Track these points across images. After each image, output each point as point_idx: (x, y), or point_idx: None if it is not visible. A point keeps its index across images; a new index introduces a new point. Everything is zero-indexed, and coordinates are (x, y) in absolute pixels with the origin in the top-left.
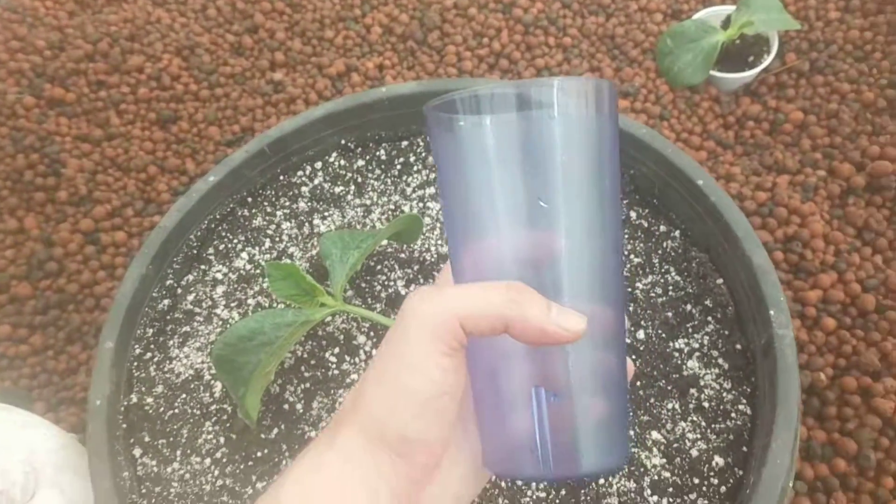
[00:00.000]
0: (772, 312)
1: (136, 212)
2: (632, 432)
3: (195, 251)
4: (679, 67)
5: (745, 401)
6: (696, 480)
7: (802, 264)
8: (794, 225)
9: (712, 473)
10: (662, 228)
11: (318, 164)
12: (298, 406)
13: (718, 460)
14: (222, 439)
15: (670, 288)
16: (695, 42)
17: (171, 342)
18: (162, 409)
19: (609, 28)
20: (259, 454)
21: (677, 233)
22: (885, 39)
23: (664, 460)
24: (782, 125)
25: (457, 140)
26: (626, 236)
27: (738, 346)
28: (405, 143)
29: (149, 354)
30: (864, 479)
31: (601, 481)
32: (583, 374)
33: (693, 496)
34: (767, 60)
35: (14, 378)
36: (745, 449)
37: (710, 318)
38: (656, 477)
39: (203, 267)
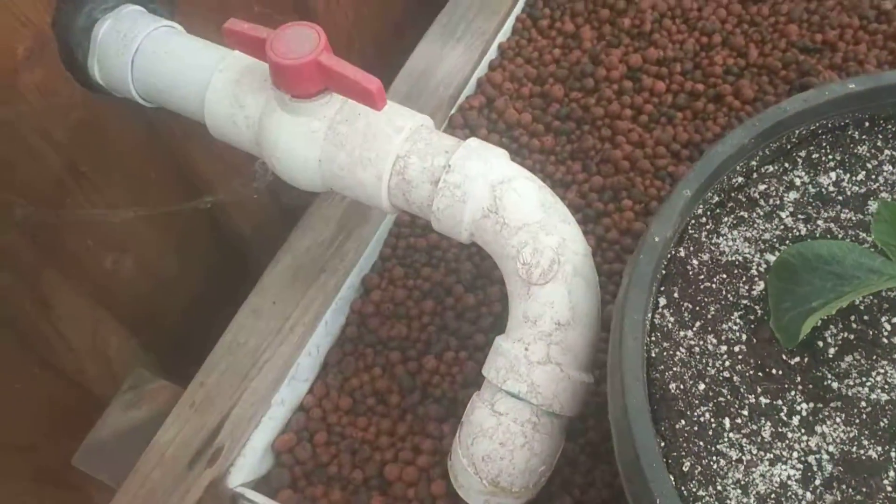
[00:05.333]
0: None
1: (682, 70)
2: None
3: (789, 147)
4: None
5: None
6: None
7: None
8: None
9: None
10: None
11: None
12: (830, 350)
13: None
14: (744, 336)
15: None
16: None
17: (726, 219)
18: (701, 276)
19: None
20: (773, 372)
21: None
22: None
23: None
24: None
25: None
26: None
27: None
28: None
29: (704, 219)
30: None
31: None
32: None
33: None
34: None
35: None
36: None
37: None
38: None
39: (787, 165)
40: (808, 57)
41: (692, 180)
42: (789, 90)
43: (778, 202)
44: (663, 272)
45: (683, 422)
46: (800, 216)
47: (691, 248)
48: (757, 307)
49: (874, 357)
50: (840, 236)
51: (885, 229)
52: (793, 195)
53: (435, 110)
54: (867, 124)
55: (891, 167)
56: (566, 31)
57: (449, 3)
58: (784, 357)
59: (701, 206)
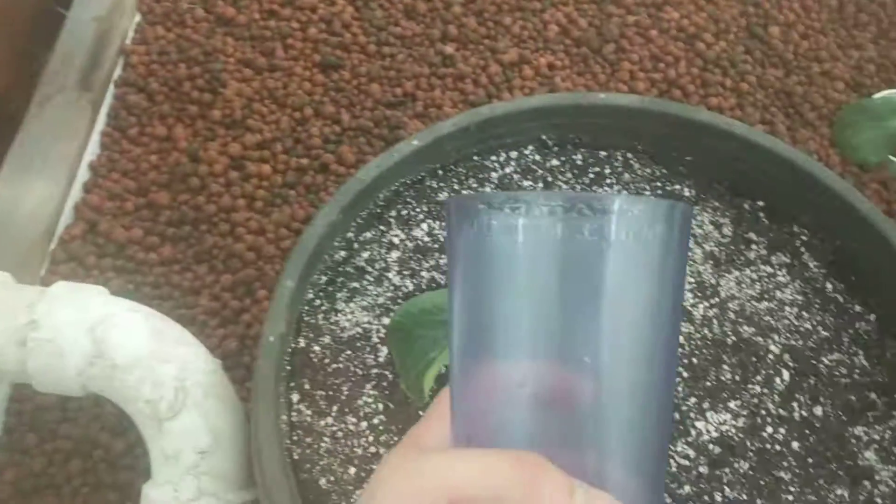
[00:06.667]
0: None
1: (284, 149)
2: None
3: (379, 210)
4: (857, 143)
5: None
6: None
7: None
8: None
9: None
10: (857, 308)
11: (514, 154)
12: None
13: None
14: (381, 406)
15: (856, 371)
16: (879, 121)
17: (339, 294)
18: (326, 360)
19: (788, 84)
20: None
21: (873, 317)
22: None
23: None
24: None
25: (485, 240)
26: (817, 307)
27: None
28: (604, 153)
29: (318, 301)
30: None
31: None
32: None
33: None
34: None
35: (137, 283)
36: None
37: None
38: None
39: (382, 228)
40: (394, 111)
41: (292, 269)
42: (385, 146)
43: (384, 265)
44: (289, 368)
45: None
46: (405, 273)
47: (311, 335)
48: (387, 372)
49: None
50: (442, 282)
51: None
52: (395, 254)
53: (29, 252)
54: (440, 172)
55: None
56: (158, 134)
57: (19, 134)
58: (421, 413)
59: (311, 290)
